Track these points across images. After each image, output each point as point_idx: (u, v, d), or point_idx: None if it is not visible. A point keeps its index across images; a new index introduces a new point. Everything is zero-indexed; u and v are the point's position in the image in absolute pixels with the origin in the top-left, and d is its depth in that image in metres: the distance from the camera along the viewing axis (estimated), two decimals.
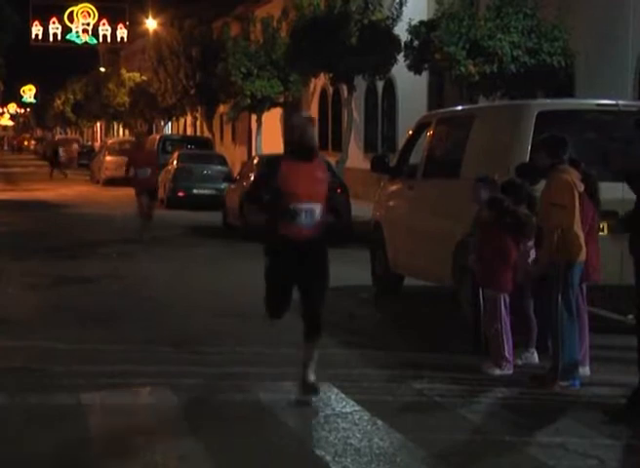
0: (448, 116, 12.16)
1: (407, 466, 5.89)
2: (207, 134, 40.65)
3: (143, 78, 48.26)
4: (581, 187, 7.71)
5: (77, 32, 63.96)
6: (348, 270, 13.19)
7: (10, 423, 6.68)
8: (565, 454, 6.12)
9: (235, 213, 20.27)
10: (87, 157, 50.42)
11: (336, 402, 7.22)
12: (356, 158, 27.54)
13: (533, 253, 8.29)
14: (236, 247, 17.91)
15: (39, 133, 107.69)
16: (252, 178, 19.86)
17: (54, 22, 63.50)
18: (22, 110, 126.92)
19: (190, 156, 29.55)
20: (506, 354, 8.18)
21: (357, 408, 7.05)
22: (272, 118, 34.88)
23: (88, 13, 63.95)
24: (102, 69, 66.35)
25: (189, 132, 49.35)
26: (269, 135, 34.84)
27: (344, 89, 26.46)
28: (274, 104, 32.57)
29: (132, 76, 52.40)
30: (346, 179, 21.93)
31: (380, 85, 28.72)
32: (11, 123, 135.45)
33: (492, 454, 6.16)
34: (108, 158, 38.17)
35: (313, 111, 33.81)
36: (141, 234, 18.35)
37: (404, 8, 24.17)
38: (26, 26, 57.80)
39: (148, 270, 14.60)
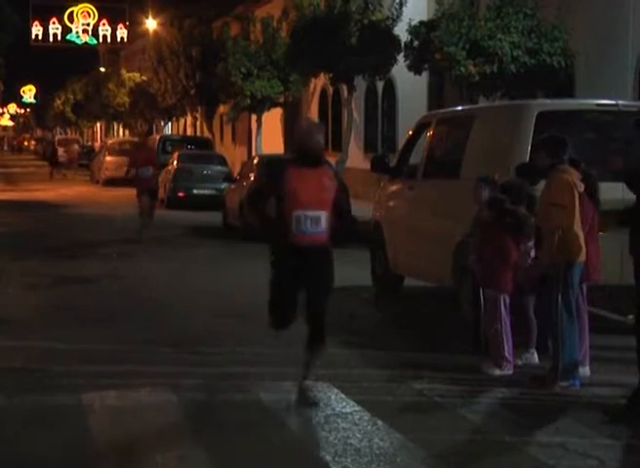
0: (448, 116, 12.16)
1: (407, 466, 5.89)
2: (207, 134, 40.65)
3: (143, 78, 48.25)
4: (581, 187, 7.71)
5: (77, 32, 63.98)
6: (348, 270, 13.16)
7: (9, 423, 6.67)
8: (565, 454, 6.12)
9: (235, 213, 20.27)
10: (87, 157, 50.42)
11: (336, 402, 7.22)
12: (356, 158, 27.55)
13: (532, 253, 8.29)
14: (236, 247, 17.91)
15: (39, 133, 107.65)
16: (252, 179, 19.90)
17: (54, 23, 63.52)
18: (22, 110, 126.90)
19: (190, 156, 29.56)
20: (506, 354, 8.18)
21: (357, 408, 7.05)
22: (272, 118, 34.88)
23: (88, 13, 63.96)
24: (102, 69, 66.36)
25: (189, 132, 49.35)
26: (269, 135, 34.84)
27: (344, 89, 26.46)
28: (274, 104, 32.57)
29: (132, 76, 52.40)
30: (346, 180, 21.89)
31: (380, 85, 28.72)
32: (11, 123, 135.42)
33: (492, 454, 6.17)
34: (108, 158, 38.18)
35: (313, 111, 33.84)
36: (141, 234, 18.36)
37: (404, 8, 24.17)
38: (26, 26, 57.82)
39: (148, 270, 14.60)
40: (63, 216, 24.26)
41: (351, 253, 15.39)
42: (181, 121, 49.63)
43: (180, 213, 25.37)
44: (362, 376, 8.02)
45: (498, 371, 8.16)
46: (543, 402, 7.38)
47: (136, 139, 38.92)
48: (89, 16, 63.99)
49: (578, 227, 7.64)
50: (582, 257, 7.73)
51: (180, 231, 20.78)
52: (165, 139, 34.74)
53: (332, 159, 23.87)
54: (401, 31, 22.07)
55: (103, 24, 63.92)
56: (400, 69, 22.59)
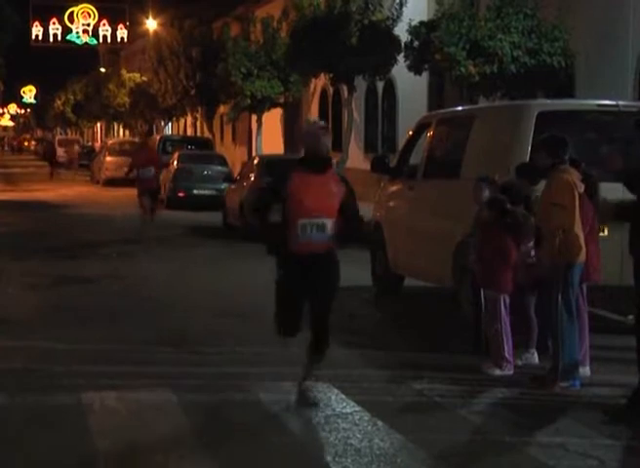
0: (448, 116, 12.16)
1: (407, 467, 5.89)
2: (207, 134, 40.65)
3: (144, 78, 48.25)
4: (582, 188, 7.71)
5: (77, 33, 63.97)
6: (348, 270, 13.09)
7: (10, 423, 6.68)
8: (565, 455, 6.12)
9: (235, 213, 20.28)
10: (87, 157, 50.45)
11: (336, 402, 7.22)
12: (356, 158, 27.54)
13: (532, 254, 8.29)
14: (236, 247, 17.91)
15: (39, 133, 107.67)
16: (252, 179, 19.90)
17: (54, 23, 63.51)
18: (23, 111, 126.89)
19: (190, 156, 29.57)
20: (506, 354, 8.18)
21: (357, 408, 7.05)
22: (272, 118, 34.88)
23: (88, 13, 63.96)
24: (103, 70, 66.35)
25: (189, 132, 49.34)
26: (269, 135, 34.84)
27: (345, 89, 26.47)
28: (274, 105, 32.57)
29: (132, 76, 52.40)
30: None
31: (380, 85, 28.72)
32: (11, 123, 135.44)
33: (492, 455, 6.17)
34: (109, 158, 38.19)
35: (313, 112, 33.84)
36: (142, 234, 18.37)
37: (404, 8, 24.17)
38: (26, 27, 57.82)
39: (148, 270, 14.60)
40: (64, 217, 24.26)
41: (351, 253, 15.37)
42: (182, 121, 49.63)
43: (181, 213, 25.38)
44: (362, 377, 8.02)
45: (498, 372, 8.16)
46: (543, 402, 7.38)
47: (136, 140, 38.94)
48: (89, 16, 63.99)
49: (578, 228, 7.64)
50: (583, 258, 7.73)
51: (180, 231, 20.78)
52: (165, 140, 34.74)
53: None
54: (401, 31, 22.07)
55: (104, 25, 63.93)
56: (400, 69, 22.59)
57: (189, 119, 47.38)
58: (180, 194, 27.57)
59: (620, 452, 6.29)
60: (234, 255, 16.68)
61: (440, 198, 10.95)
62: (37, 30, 63.38)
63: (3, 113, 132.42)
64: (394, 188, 12.46)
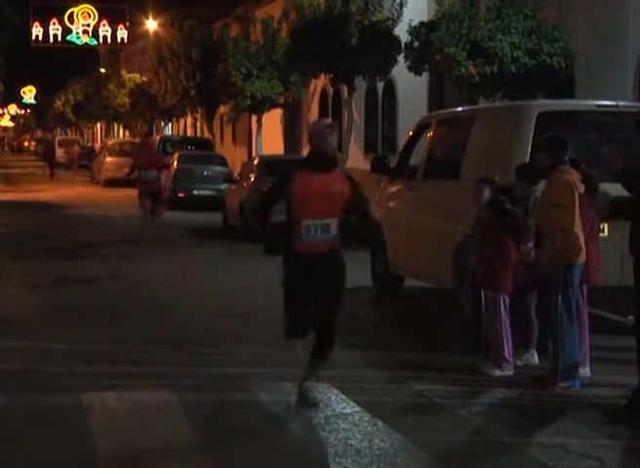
0: (448, 117, 12.16)
1: (407, 467, 5.89)
2: (207, 134, 40.64)
3: (144, 79, 48.24)
4: (582, 188, 7.71)
5: (77, 33, 63.94)
6: (348, 270, 13.16)
7: (10, 423, 6.68)
8: (565, 455, 6.12)
9: (235, 213, 20.29)
10: (87, 158, 50.46)
11: (336, 403, 7.22)
12: (356, 159, 27.54)
13: (532, 254, 8.29)
14: (236, 248, 17.91)
15: (39, 134, 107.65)
16: (252, 179, 19.90)
17: (54, 23, 63.48)
18: (23, 111, 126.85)
19: (190, 157, 29.56)
20: (506, 355, 8.18)
21: (357, 409, 7.05)
22: (272, 119, 34.87)
23: (88, 14, 63.94)
24: (103, 70, 66.32)
25: (189, 133, 49.32)
26: (269, 135, 34.84)
27: (345, 89, 26.46)
28: (274, 105, 32.56)
29: (132, 77, 52.39)
30: None
31: (380, 86, 28.71)
32: (11, 124, 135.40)
33: (492, 455, 6.17)
34: (109, 159, 38.20)
35: (313, 112, 33.83)
36: (142, 234, 18.37)
37: (404, 9, 24.16)
38: (27, 27, 57.79)
39: (148, 271, 14.60)
40: (64, 217, 24.26)
41: (351, 253, 15.39)
42: (182, 122, 49.61)
43: (181, 213, 25.37)
44: (362, 377, 8.02)
45: (498, 372, 8.16)
46: (544, 402, 7.38)
47: (137, 140, 38.94)
48: (89, 16, 63.97)
49: (578, 228, 7.64)
50: (583, 259, 7.73)
51: (179, 232, 20.78)
52: (165, 140, 34.73)
53: None
54: (401, 32, 22.06)
55: (104, 25, 63.90)
56: (400, 70, 22.58)
57: (189, 119, 47.38)
58: (180, 195, 27.57)
59: (620, 453, 6.30)
60: (234, 256, 16.68)
61: (440, 198, 10.95)
62: (37, 31, 63.36)
63: (3, 114, 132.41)
64: (394, 189, 12.46)
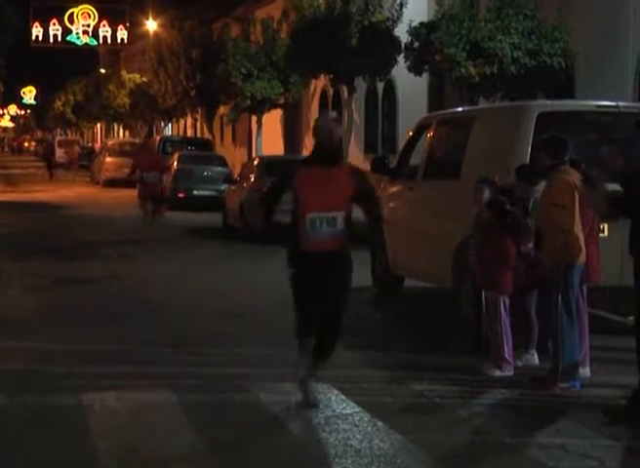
0: (448, 117, 12.16)
1: (407, 467, 5.89)
2: (207, 135, 40.66)
3: (144, 79, 48.25)
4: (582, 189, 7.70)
5: (77, 33, 63.97)
6: None
7: (10, 424, 6.68)
8: (565, 455, 6.12)
9: (235, 214, 20.28)
10: (87, 158, 50.47)
11: (336, 403, 7.21)
12: (356, 159, 27.51)
13: (532, 254, 8.29)
14: (236, 248, 17.91)
15: (39, 134, 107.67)
16: (252, 180, 19.90)
17: (54, 24, 63.50)
18: (23, 112, 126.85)
19: (190, 157, 29.57)
20: (506, 355, 8.18)
21: (357, 409, 7.05)
22: (272, 119, 34.88)
23: (88, 14, 63.96)
24: (103, 70, 66.34)
25: (189, 133, 49.33)
26: (269, 136, 34.84)
27: (345, 90, 26.46)
28: (274, 106, 32.57)
29: (132, 77, 52.41)
30: None
31: (380, 86, 28.72)
32: (11, 124, 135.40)
33: (492, 456, 6.17)
34: (109, 159, 38.21)
35: (313, 112, 33.82)
36: (143, 234, 18.37)
37: (404, 9, 24.17)
38: (27, 28, 57.82)
39: (148, 271, 14.60)
40: (64, 217, 24.26)
41: (351, 253, 15.40)
42: (182, 122, 49.63)
43: (181, 214, 25.37)
44: (362, 377, 8.02)
45: (498, 373, 8.16)
46: (544, 403, 7.38)
47: (137, 141, 38.93)
48: (89, 17, 63.99)
49: (578, 229, 7.64)
50: (583, 259, 7.73)
51: (179, 232, 20.78)
52: (165, 140, 34.74)
53: None
54: (401, 32, 22.07)
55: (104, 26, 63.92)
56: (400, 70, 22.59)
57: (189, 120, 47.39)
58: (180, 195, 27.57)
59: (621, 453, 6.30)
60: (234, 256, 16.68)
61: (440, 199, 10.95)
62: (37, 31, 63.38)
63: (3, 114, 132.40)
64: (394, 189, 12.45)
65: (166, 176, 24.83)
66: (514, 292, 8.32)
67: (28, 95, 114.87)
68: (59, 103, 77.84)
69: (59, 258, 15.79)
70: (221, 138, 43.46)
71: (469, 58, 17.70)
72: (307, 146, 31.91)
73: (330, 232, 6.92)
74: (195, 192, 27.60)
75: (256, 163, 21.22)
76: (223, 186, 23.88)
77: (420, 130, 12.32)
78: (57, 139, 63.74)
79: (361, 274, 12.84)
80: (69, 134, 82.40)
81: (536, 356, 8.54)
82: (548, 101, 12.86)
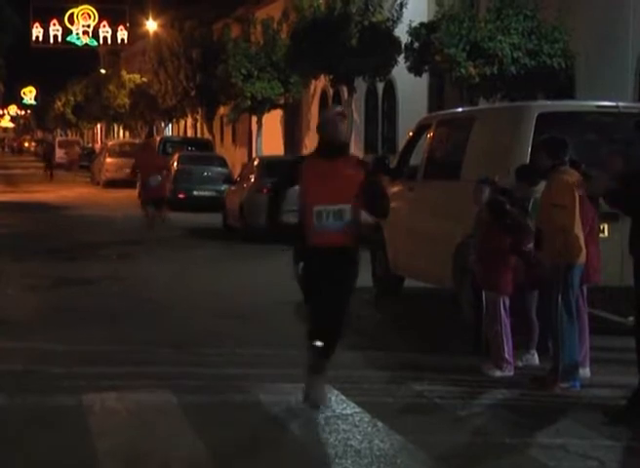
0: (448, 118, 12.16)
1: None
2: (207, 135, 40.66)
3: (144, 80, 48.25)
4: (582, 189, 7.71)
5: (77, 34, 63.96)
6: None
7: (10, 424, 6.68)
8: (565, 456, 6.12)
9: (235, 214, 20.28)
10: (87, 159, 50.48)
11: (336, 403, 7.21)
12: None
13: (532, 255, 8.29)
14: (236, 248, 17.91)
15: (39, 134, 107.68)
16: (252, 180, 19.90)
17: (54, 24, 63.49)
18: (23, 112, 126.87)
19: (191, 158, 29.57)
20: (507, 355, 8.18)
21: (357, 409, 7.05)
22: (272, 120, 34.88)
23: (88, 14, 63.96)
24: (103, 71, 66.35)
25: (190, 133, 49.33)
26: (270, 136, 34.84)
27: (345, 90, 26.47)
28: (274, 106, 32.58)
29: (132, 78, 52.40)
30: None
31: (380, 86, 28.72)
32: (11, 125, 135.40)
33: (492, 456, 6.17)
34: (109, 160, 38.20)
35: (313, 113, 33.83)
36: (144, 235, 18.36)
37: (404, 9, 24.18)
38: (27, 28, 57.81)
39: (149, 272, 14.60)
40: (64, 218, 24.27)
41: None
42: (182, 122, 49.62)
43: (181, 214, 25.35)
44: (362, 378, 8.01)
45: (498, 373, 8.16)
46: (544, 403, 7.38)
47: (137, 141, 38.94)
48: (89, 17, 63.99)
49: (578, 229, 7.64)
50: (583, 259, 7.73)
51: (180, 232, 20.78)
52: (165, 141, 34.72)
53: None
54: (401, 33, 22.08)
55: (104, 26, 63.92)
56: (400, 71, 22.60)
57: (189, 120, 47.40)
58: (181, 195, 27.55)
59: (621, 453, 6.30)
60: (234, 257, 16.68)
61: (440, 199, 10.95)
62: (37, 31, 63.37)
63: (3, 114, 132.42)
64: (394, 189, 12.43)
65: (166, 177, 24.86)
66: (514, 292, 8.32)
67: (28, 95, 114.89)
68: (59, 104, 77.86)
69: (59, 259, 15.79)
70: (222, 139, 43.46)
71: (469, 58, 17.71)
72: (307, 147, 31.90)
73: (337, 225, 6.87)
74: (195, 193, 27.59)
75: (256, 163, 21.22)
76: (223, 187, 23.87)
77: (420, 130, 12.33)
78: (57, 140, 63.77)
79: (361, 274, 12.88)
80: (69, 134, 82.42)
81: (536, 356, 8.54)
82: (548, 102, 12.88)
